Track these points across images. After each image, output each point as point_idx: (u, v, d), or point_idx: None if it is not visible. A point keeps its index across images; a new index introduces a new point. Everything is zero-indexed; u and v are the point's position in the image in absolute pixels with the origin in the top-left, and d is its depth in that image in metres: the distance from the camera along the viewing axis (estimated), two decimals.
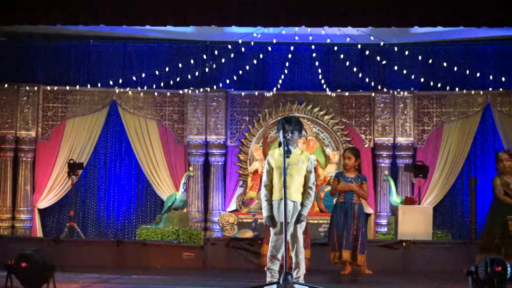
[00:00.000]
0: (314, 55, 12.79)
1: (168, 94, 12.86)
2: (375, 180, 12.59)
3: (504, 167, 9.68)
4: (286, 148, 5.95)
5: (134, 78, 12.86)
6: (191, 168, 12.43)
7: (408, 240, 9.64)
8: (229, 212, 12.16)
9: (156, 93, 12.84)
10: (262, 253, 8.56)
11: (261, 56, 12.92)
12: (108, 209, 12.91)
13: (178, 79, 12.85)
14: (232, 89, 12.89)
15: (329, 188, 11.82)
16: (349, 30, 11.39)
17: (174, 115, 12.85)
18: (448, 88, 12.63)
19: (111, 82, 12.77)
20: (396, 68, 12.71)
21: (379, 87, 12.83)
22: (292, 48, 12.66)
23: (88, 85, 12.85)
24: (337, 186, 8.65)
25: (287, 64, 12.83)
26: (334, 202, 8.87)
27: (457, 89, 12.63)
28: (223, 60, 12.75)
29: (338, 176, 8.75)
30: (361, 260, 8.54)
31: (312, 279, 6.56)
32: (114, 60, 13.06)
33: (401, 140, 12.60)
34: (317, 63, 12.78)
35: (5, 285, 5.70)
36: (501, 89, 12.48)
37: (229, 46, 12.73)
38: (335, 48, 12.77)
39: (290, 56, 12.77)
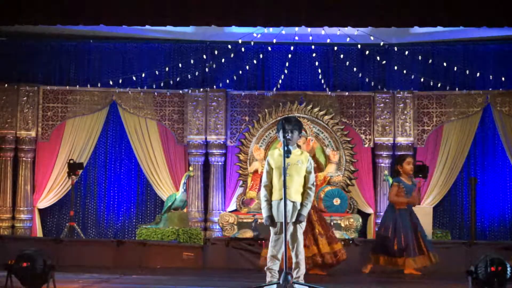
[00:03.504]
0: (314, 55, 12.79)
1: (168, 94, 12.86)
2: (375, 180, 12.59)
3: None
4: (286, 148, 5.95)
5: (134, 78, 12.86)
6: (191, 168, 12.43)
7: None
8: (229, 212, 12.15)
9: (156, 93, 12.84)
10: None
11: (261, 56, 12.92)
12: (108, 209, 12.91)
13: (178, 79, 12.86)
14: (232, 89, 12.90)
15: (329, 188, 11.84)
16: (349, 30, 11.39)
17: (174, 115, 12.85)
18: (448, 88, 12.63)
19: (111, 82, 12.77)
20: (396, 68, 12.71)
21: (379, 87, 12.83)
22: (292, 48, 12.66)
23: (88, 85, 12.85)
24: (407, 200, 8.89)
25: (287, 64, 12.83)
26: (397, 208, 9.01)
27: (457, 89, 12.63)
28: (223, 60, 12.75)
29: (399, 181, 8.94)
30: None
31: (312, 278, 6.56)
32: (114, 60, 13.06)
33: (401, 140, 12.60)
34: (317, 63, 12.78)
35: (5, 285, 5.70)
36: (501, 89, 12.48)
37: (229, 46, 12.73)
38: (335, 48, 12.77)
39: (290, 56, 12.77)
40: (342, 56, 12.79)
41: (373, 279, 8.28)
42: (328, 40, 12.23)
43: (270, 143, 12.27)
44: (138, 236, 11.46)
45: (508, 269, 5.54)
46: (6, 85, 12.63)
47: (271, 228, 6.21)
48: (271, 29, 11.73)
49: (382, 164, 12.55)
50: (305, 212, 6.20)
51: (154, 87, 12.86)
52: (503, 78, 12.42)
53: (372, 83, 12.82)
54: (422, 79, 12.66)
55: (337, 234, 10.45)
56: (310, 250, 8.23)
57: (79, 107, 12.82)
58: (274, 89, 12.82)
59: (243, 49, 12.72)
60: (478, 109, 12.56)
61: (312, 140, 12.10)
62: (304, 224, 6.26)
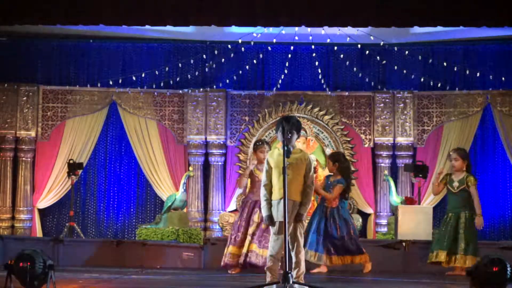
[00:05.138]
0: (314, 55, 12.79)
1: (168, 94, 12.86)
2: (375, 180, 12.59)
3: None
4: (285, 148, 5.96)
5: (134, 78, 12.86)
6: (191, 168, 12.43)
7: (408, 240, 9.64)
8: (229, 212, 12.17)
9: (156, 93, 12.84)
10: (225, 253, 8.66)
11: (261, 56, 12.92)
12: (108, 209, 12.90)
13: (178, 79, 12.85)
14: (232, 89, 12.90)
15: None
16: (349, 30, 11.39)
17: (174, 115, 12.85)
18: (448, 88, 12.63)
19: (111, 82, 12.77)
20: (396, 68, 12.71)
21: (379, 87, 12.83)
22: (292, 48, 12.66)
23: (88, 85, 12.86)
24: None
25: (287, 64, 12.83)
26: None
27: (457, 89, 12.63)
28: (223, 60, 12.75)
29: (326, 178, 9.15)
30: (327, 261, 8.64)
31: (311, 278, 6.57)
32: (114, 60, 13.06)
33: (401, 140, 12.60)
34: (317, 63, 12.77)
35: (5, 285, 5.70)
36: (501, 89, 12.48)
37: (229, 46, 12.73)
38: (335, 48, 12.77)
39: (290, 56, 12.77)
40: (342, 56, 12.79)
41: (373, 279, 8.28)
42: (328, 40, 12.23)
43: (270, 143, 12.26)
44: (138, 236, 11.46)
45: (508, 269, 5.54)
46: (6, 85, 12.63)
47: (270, 227, 6.22)
48: (271, 29, 11.72)
49: (382, 164, 12.54)
50: (304, 211, 6.21)
51: (154, 87, 12.86)
52: (503, 78, 12.42)
53: (372, 83, 12.82)
54: (422, 79, 12.66)
55: None
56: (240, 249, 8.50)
57: (79, 107, 12.82)
58: (274, 89, 12.82)
59: (243, 49, 12.72)
60: (478, 109, 12.56)
61: (312, 140, 12.13)
62: (303, 224, 6.27)
